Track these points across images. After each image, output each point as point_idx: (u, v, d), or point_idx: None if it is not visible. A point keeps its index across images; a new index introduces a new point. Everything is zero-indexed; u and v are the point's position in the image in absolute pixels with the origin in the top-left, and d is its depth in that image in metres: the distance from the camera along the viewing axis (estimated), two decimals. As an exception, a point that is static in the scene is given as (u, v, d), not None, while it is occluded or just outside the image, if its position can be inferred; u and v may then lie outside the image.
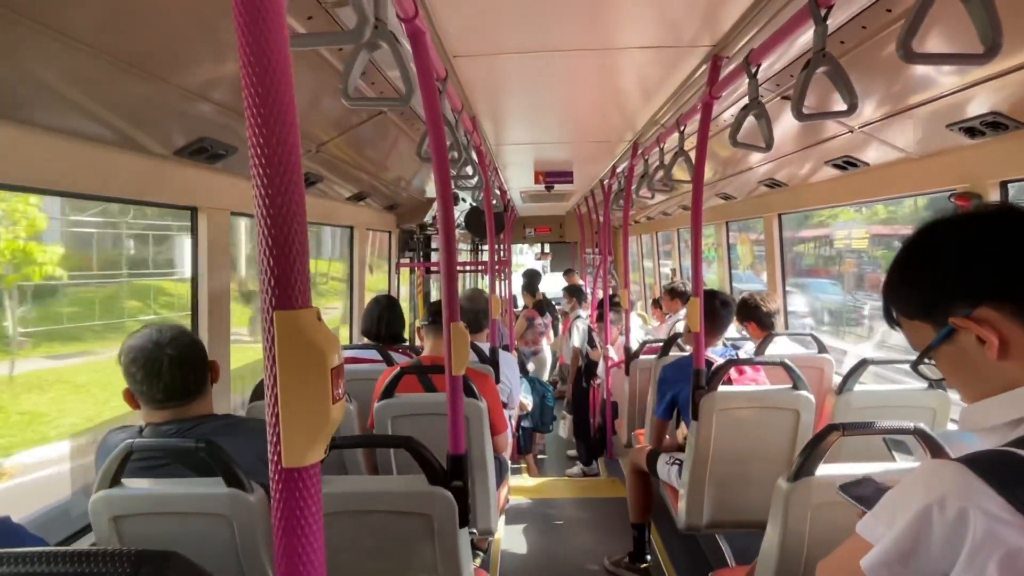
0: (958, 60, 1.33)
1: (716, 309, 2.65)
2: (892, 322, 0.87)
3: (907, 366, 0.92)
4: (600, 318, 5.15)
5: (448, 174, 1.60)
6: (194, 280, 2.27)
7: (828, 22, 1.40)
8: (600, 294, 5.46)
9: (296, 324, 0.56)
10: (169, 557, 0.48)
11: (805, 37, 1.50)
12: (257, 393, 2.32)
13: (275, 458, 0.57)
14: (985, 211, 0.80)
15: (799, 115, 1.48)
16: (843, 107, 1.44)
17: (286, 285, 0.56)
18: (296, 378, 0.57)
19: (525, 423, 4.93)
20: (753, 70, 1.80)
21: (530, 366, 6.11)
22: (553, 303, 7.30)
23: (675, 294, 5.03)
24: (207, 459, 1.36)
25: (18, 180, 1.56)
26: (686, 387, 2.47)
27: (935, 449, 1.42)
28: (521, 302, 7.31)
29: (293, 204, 0.55)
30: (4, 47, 1.22)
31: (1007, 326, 0.74)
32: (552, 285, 8.56)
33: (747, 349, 3.28)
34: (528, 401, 4.80)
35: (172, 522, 1.41)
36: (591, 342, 5.49)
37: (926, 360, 0.83)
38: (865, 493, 1.13)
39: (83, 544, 1.80)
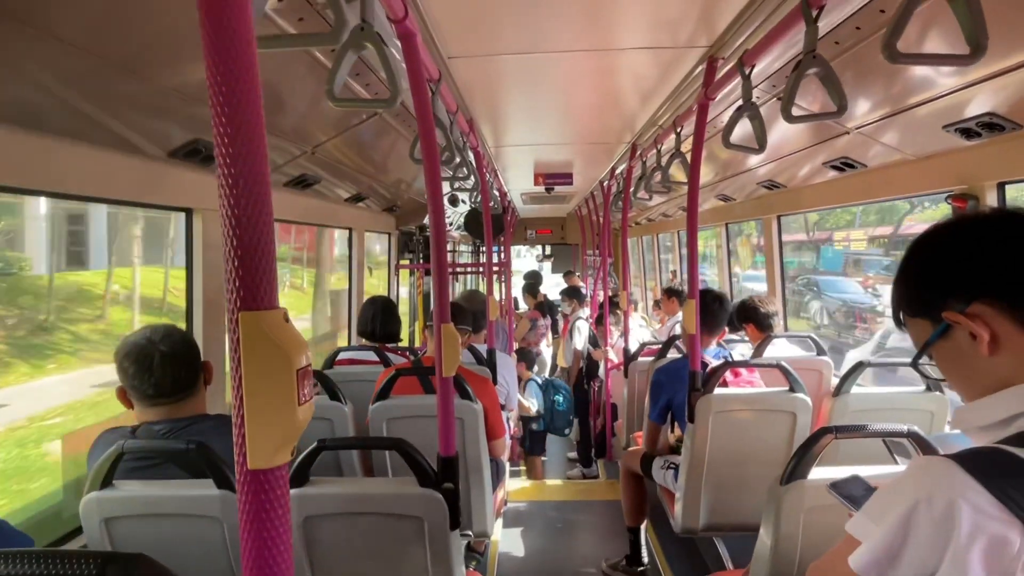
0: (943, 60, 1.33)
1: (710, 305, 2.63)
2: (899, 322, 0.89)
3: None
4: (600, 320, 5.14)
5: (439, 177, 1.60)
6: (189, 281, 2.27)
7: (820, 23, 1.40)
8: (600, 296, 5.45)
9: (262, 325, 0.56)
10: (136, 559, 0.48)
11: (799, 38, 1.49)
12: None
13: (240, 459, 0.57)
14: (984, 214, 0.82)
15: (789, 117, 1.48)
16: (834, 108, 1.44)
17: (252, 286, 0.55)
18: (261, 380, 0.56)
19: (535, 425, 4.92)
20: (747, 71, 1.80)
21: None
22: (555, 305, 7.30)
23: (672, 294, 5.02)
24: (197, 461, 1.36)
25: (13, 182, 1.57)
26: (679, 390, 2.46)
27: (928, 452, 1.41)
28: (523, 304, 7.30)
29: (259, 205, 0.55)
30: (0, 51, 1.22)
31: (998, 322, 0.76)
32: (553, 287, 8.54)
33: (740, 350, 3.27)
34: (531, 404, 4.79)
35: (163, 524, 1.41)
36: (594, 343, 5.48)
37: (925, 358, 0.86)
38: (855, 493, 1.13)
39: (75, 546, 1.80)
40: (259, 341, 0.56)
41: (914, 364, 0.89)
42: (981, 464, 0.70)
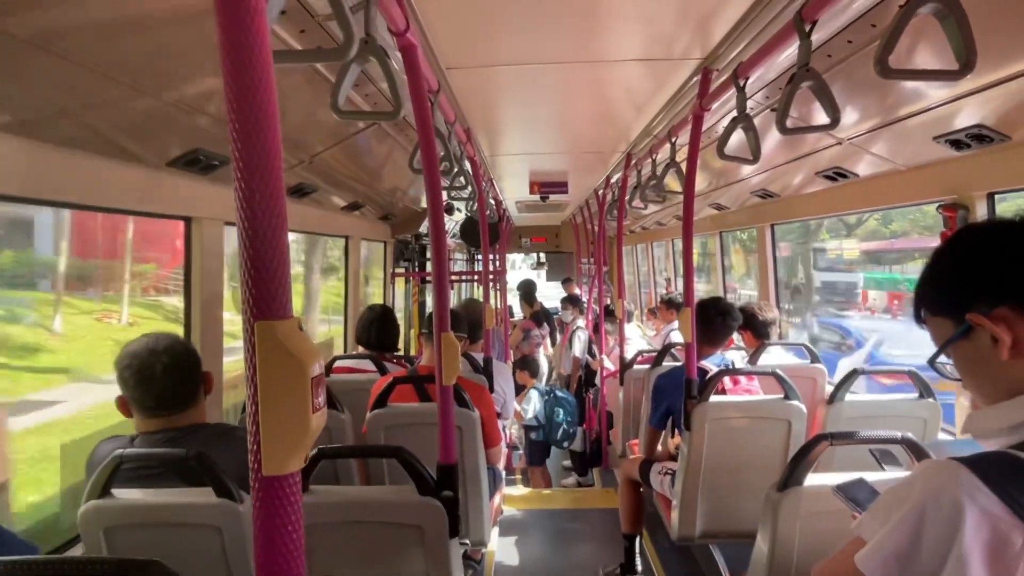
0: (933, 76, 1.36)
1: (711, 318, 2.64)
2: (919, 319, 0.90)
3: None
4: (597, 328, 5.15)
5: (439, 186, 1.62)
6: (187, 290, 2.28)
7: (813, 37, 1.43)
8: (595, 305, 5.47)
9: (277, 334, 0.57)
10: (150, 566, 0.49)
11: (792, 51, 1.53)
12: None
13: (255, 466, 0.58)
14: (1013, 220, 0.83)
15: (783, 129, 1.50)
16: (827, 121, 1.46)
17: (267, 296, 0.56)
18: (276, 387, 0.57)
19: (535, 435, 4.89)
20: (741, 83, 1.83)
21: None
22: (551, 313, 7.30)
23: (670, 304, 5.05)
24: (196, 469, 1.36)
25: (15, 191, 1.57)
26: (680, 397, 2.47)
27: (922, 458, 1.43)
28: (518, 312, 7.31)
29: (274, 215, 0.56)
30: (1, 63, 1.23)
31: (1021, 327, 0.77)
32: (548, 294, 8.56)
33: (734, 357, 3.29)
34: (525, 411, 4.78)
35: (162, 533, 1.41)
36: (591, 352, 5.50)
37: (943, 357, 0.87)
38: (860, 496, 1.15)
39: (74, 554, 1.79)
40: (274, 350, 0.57)
41: (932, 362, 0.90)
42: (988, 467, 0.72)
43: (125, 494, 1.41)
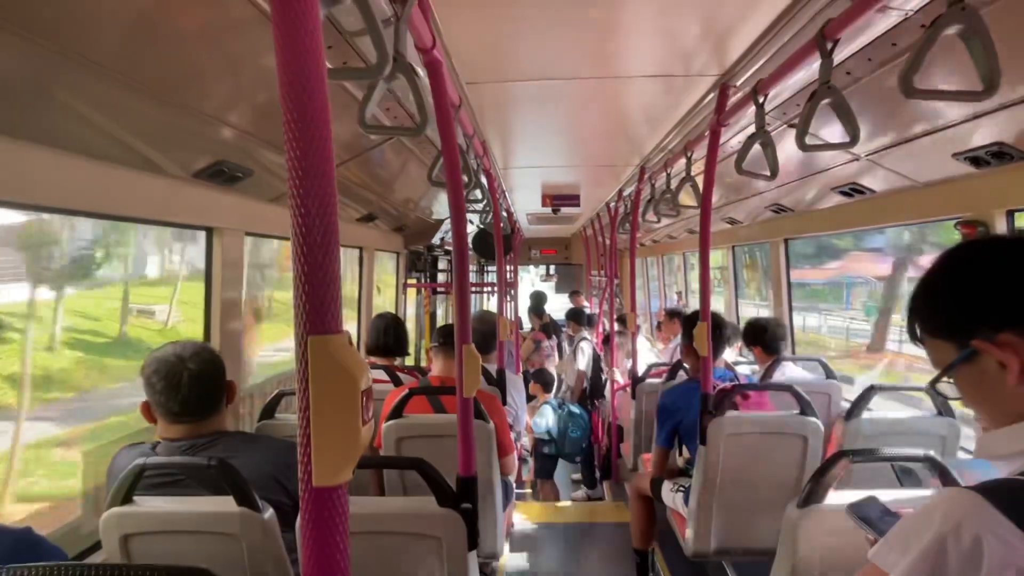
0: (957, 97, 1.37)
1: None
2: (915, 338, 0.89)
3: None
4: (607, 341, 5.14)
5: (462, 199, 1.63)
6: (207, 298, 2.30)
7: (834, 55, 1.44)
8: (606, 318, 5.46)
9: (329, 348, 0.59)
10: (199, 574, 0.49)
11: (812, 68, 1.54)
12: (267, 412, 2.33)
13: (305, 477, 0.59)
14: (1010, 238, 0.82)
15: (803, 145, 1.51)
16: (846, 138, 1.47)
17: (320, 311, 0.58)
18: (328, 400, 0.59)
19: (547, 449, 4.88)
20: (760, 100, 1.84)
21: None
22: (560, 325, 7.30)
23: (674, 315, 5.04)
24: (218, 477, 1.37)
25: (43, 201, 1.60)
26: (687, 414, 2.46)
27: (945, 477, 1.42)
28: (527, 324, 7.32)
29: (328, 233, 0.58)
30: (30, 72, 1.26)
31: None
32: (557, 307, 8.54)
33: (745, 372, 3.27)
34: (536, 423, 4.77)
35: (182, 541, 1.42)
36: (597, 364, 5.49)
37: (944, 379, 0.85)
38: (872, 515, 1.14)
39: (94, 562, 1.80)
40: (326, 364, 0.58)
41: (932, 386, 0.87)
42: (1007, 496, 0.71)
43: (147, 502, 1.42)
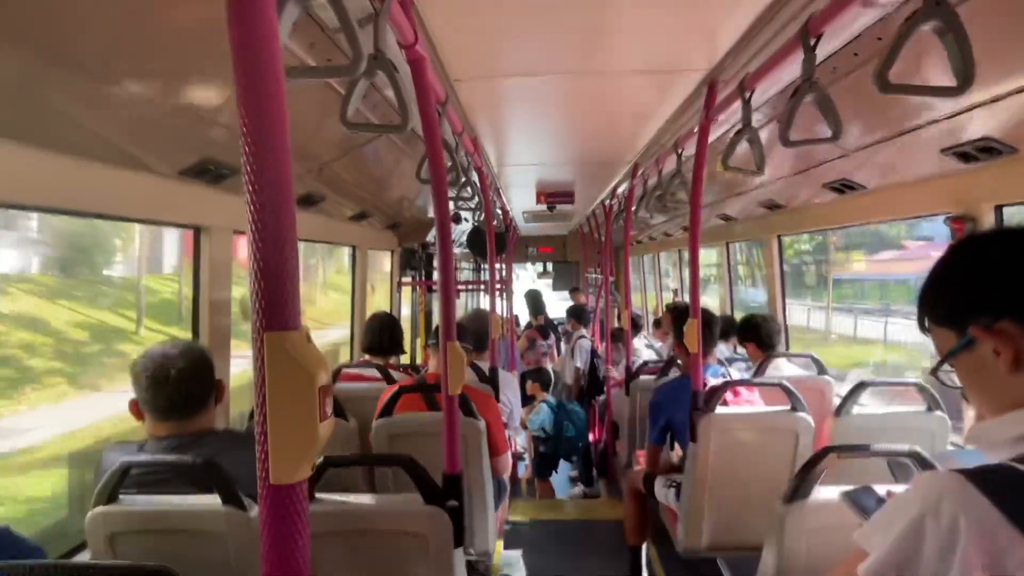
0: (932, 92, 1.37)
1: None
2: (923, 328, 0.90)
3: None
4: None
5: (446, 197, 1.63)
6: (196, 298, 2.30)
7: (820, 50, 1.44)
8: (602, 315, 5.46)
9: (286, 345, 0.58)
10: (159, 572, 0.49)
11: (799, 64, 1.53)
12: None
13: (263, 474, 0.59)
14: (1016, 230, 0.83)
15: (786, 141, 1.51)
16: (829, 133, 1.47)
17: (277, 307, 0.57)
18: (285, 397, 0.58)
19: (544, 448, 4.88)
20: (747, 95, 1.84)
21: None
22: (556, 324, 7.29)
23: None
24: (204, 476, 1.37)
25: (27, 200, 1.59)
26: (678, 411, 2.46)
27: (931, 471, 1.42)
28: (524, 322, 7.31)
29: (284, 227, 0.57)
30: (13, 70, 1.26)
31: (1022, 341, 0.77)
32: (554, 305, 8.54)
33: (739, 368, 3.27)
34: (531, 421, 4.77)
35: (168, 540, 1.42)
36: (595, 361, 5.48)
37: (945, 367, 0.87)
38: (867, 503, 1.16)
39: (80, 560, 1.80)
40: (283, 360, 0.58)
41: (934, 373, 0.90)
42: (987, 479, 0.72)
43: (133, 500, 1.42)
